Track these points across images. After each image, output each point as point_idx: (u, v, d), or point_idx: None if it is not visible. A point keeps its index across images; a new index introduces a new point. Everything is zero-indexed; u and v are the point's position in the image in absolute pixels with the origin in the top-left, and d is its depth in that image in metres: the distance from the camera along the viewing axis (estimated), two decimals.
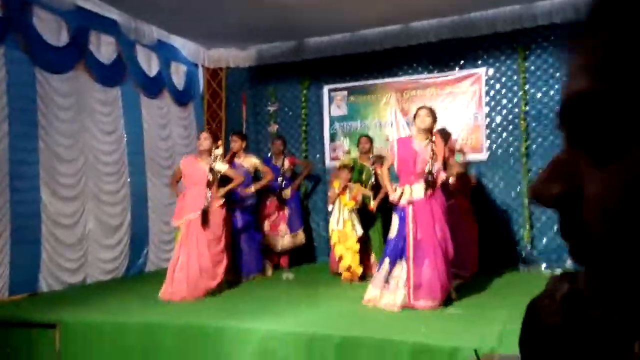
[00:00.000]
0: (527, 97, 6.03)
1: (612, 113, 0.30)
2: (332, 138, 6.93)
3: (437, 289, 4.07)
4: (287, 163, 6.21)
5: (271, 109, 7.18)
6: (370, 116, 6.75)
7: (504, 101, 6.20)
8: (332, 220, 5.41)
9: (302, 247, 6.33)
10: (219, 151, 4.99)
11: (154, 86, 6.33)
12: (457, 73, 6.36)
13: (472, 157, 6.01)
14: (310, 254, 6.70)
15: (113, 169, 5.73)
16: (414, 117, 4.31)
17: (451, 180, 4.82)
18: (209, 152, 4.88)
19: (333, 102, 6.92)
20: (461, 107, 6.31)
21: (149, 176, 6.19)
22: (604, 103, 0.30)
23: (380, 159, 5.41)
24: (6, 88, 4.54)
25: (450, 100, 6.33)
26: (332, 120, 6.93)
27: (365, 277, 5.21)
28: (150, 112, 6.29)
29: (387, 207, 4.99)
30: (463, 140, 6.19)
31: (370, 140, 5.97)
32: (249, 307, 4.31)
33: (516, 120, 6.09)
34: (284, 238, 6.10)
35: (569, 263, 5.36)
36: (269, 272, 5.89)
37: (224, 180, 5.00)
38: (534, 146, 6.00)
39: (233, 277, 5.21)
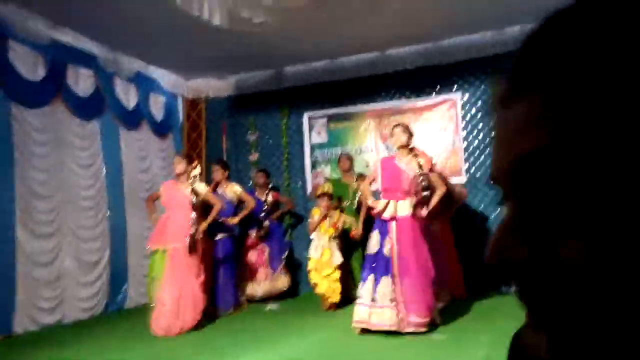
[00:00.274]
0: None
1: (575, 169, 0.28)
2: (314, 165, 6.95)
3: (424, 306, 4.07)
4: (270, 197, 6.17)
5: (251, 138, 7.19)
6: (351, 142, 6.80)
7: (481, 125, 6.30)
8: (311, 247, 5.40)
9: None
10: (197, 171, 4.95)
11: (133, 118, 6.30)
12: (433, 98, 6.47)
13: (452, 180, 6.06)
14: (294, 284, 6.62)
15: (91, 204, 5.64)
16: (390, 136, 4.37)
17: (434, 199, 4.77)
18: (186, 175, 4.84)
19: (313, 129, 6.96)
20: (439, 131, 6.40)
21: (129, 209, 6.10)
22: (563, 159, 0.28)
23: (363, 177, 5.44)
24: None
25: (428, 125, 6.42)
26: (313, 148, 6.96)
27: (347, 303, 5.16)
28: (129, 144, 6.25)
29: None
30: (442, 164, 6.26)
31: (350, 158, 6.02)
32: (230, 340, 4.24)
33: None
34: (263, 284, 5.89)
35: None
36: (245, 307, 5.71)
37: (205, 208, 4.94)
38: None
39: (209, 310, 5.05)
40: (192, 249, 4.62)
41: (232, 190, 5.67)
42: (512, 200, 0.33)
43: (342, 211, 5.60)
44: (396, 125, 4.38)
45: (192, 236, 4.62)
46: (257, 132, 7.20)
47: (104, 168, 5.84)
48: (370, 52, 6.33)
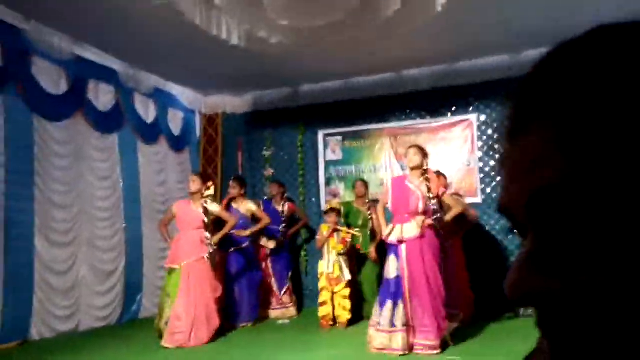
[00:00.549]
0: None
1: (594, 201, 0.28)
2: (328, 182, 6.98)
3: (434, 328, 4.03)
4: (287, 208, 6.22)
5: (266, 154, 7.26)
6: (365, 160, 6.82)
7: (497, 146, 6.28)
8: (322, 263, 5.39)
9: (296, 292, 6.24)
10: (210, 192, 5.02)
11: (151, 132, 6.42)
12: (449, 119, 6.48)
13: (467, 200, 6.03)
14: (301, 300, 6.60)
15: (108, 215, 5.73)
16: (405, 156, 4.38)
17: (450, 214, 4.72)
18: (200, 194, 4.90)
19: (328, 147, 7.01)
20: (454, 151, 6.40)
21: (145, 221, 6.18)
22: (579, 193, 0.28)
23: (375, 203, 5.43)
24: (4, 135, 4.58)
25: (443, 145, 6.42)
26: (328, 165, 7.00)
27: (357, 319, 5.11)
28: (147, 158, 6.35)
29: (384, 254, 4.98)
30: (457, 184, 6.24)
31: (366, 184, 6.02)
32: (244, 353, 4.24)
33: None
34: (273, 313, 5.97)
35: None
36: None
37: (218, 222, 5.00)
38: None
39: (225, 324, 5.08)
40: (212, 264, 4.74)
41: (246, 207, 5.72)
42: (529, 232, 0.32)
43: (349, 226, 5.60)
44: (411, 146, 4.40)
45: (211, 254, 4.72)
46: (272, 148, 7.26)
47: (122, 180, 5.94)
48: (386, 73, 6.38)
